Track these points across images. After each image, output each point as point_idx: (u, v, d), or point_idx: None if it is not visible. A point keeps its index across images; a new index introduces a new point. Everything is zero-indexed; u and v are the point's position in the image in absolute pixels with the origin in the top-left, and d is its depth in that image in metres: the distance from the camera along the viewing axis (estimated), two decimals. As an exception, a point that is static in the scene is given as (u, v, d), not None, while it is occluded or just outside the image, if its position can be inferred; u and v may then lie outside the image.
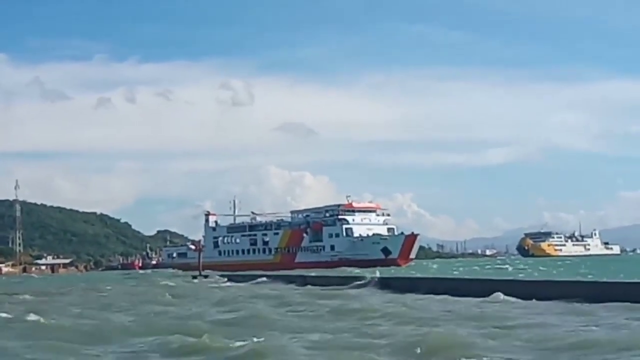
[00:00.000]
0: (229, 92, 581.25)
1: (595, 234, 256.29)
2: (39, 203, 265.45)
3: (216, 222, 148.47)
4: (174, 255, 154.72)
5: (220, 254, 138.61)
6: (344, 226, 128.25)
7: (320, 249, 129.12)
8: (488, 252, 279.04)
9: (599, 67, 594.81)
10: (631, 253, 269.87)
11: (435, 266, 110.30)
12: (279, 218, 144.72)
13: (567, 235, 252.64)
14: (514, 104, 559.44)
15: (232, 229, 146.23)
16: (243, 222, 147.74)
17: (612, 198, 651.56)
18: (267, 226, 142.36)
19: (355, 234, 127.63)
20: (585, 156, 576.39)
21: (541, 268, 79.97)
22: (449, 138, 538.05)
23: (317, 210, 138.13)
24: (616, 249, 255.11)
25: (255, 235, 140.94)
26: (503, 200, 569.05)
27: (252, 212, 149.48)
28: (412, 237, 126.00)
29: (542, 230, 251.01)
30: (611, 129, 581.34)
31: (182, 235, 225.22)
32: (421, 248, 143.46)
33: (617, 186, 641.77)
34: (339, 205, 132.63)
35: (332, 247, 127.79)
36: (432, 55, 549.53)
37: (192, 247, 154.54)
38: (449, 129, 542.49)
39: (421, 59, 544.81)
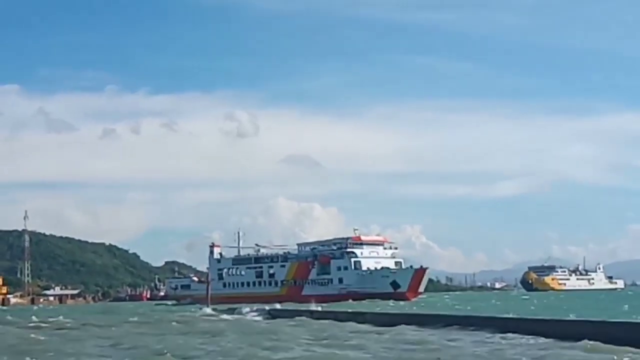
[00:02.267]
0: (233, 124, 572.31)
1: (599, 268, 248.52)
2: (47, 233, 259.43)
3: (221, 254, 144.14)
4: (178, 287, 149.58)
5: (225, 285, 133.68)
6: (353, 259, 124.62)
7: (329, 282, 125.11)
8: (497, 285, 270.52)
9: (610, 100, 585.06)
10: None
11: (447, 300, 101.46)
12: (285, 250, 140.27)
13: (571, 269, 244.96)
14: (524, 135, 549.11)
15: (237, 260, 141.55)
16: (248, 254, 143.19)
17: (622, 231, 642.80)
18: (273, 258, 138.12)
19: (364, 267, 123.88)
20: (596, 188, 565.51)
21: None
22: (459, 170, 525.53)
23: (324, 243, 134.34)
24: (620, 283, 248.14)
25: (261, 267, 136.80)
26: (512, 233, 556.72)
27: (257, 244, 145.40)
28: (422, 271, 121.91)
29: (546, 264, 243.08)
30: (622, 161, 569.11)
31: (190, 267, 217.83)
32: (430, 281, 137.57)
33: (628, 219, 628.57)
34: (347, 238, 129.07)
35: (341, 280, 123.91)
36: (441, 87, 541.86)
37: (195, 279, 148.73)
38: (459, 160, 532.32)
39: (430, 90, 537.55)
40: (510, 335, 26.86)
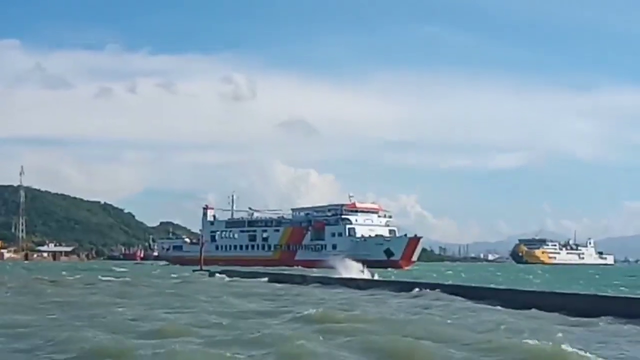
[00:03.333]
0: (231, 86, 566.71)
1: (590, 243, 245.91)
2: (43, 190, 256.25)
3: (214, 216, 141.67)
4: (169, 248, 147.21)
5: (217, 248, 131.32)
6: (347, 226, 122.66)
7: (322, 248, 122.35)
8: (490, 257, 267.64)
9: (611, 76, 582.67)
10: (635, 263, 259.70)
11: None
12: (279, 215, 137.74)
13: (562, 243, 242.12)
14: (524, 109, 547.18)
15: (231, 223, 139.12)
16: (242, 218, 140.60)
17: (616, 207, 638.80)
18: (267, 223, 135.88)
19: (358, 234, 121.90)
20: (592, 164, 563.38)
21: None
22: (457, 141, 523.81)
23: (318, 209, 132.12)
24: (610, 259, 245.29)
25: (254, 231, 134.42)
26: (507, 205, 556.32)
27: (250, 208, 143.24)
28: (416, 240, 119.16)
29: (537, 238, 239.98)
30: (619, 137, 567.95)
31: (185, 228, 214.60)
32: (423, 251, 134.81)
33: (622, 195, 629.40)
34: (342, 205, 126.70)
35: (334, 246, 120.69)
36: (443, 58, 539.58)
37: (187, 240, 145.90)
38: (457, 131, 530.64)
39: (432, 60, 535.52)
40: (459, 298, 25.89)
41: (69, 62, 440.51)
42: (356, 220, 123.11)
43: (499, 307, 21.85)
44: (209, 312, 20.11)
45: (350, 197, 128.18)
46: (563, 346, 12.31)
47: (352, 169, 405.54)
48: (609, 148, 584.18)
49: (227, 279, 49.23)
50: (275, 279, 45.29)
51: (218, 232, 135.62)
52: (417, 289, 29.75)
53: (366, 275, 42.66)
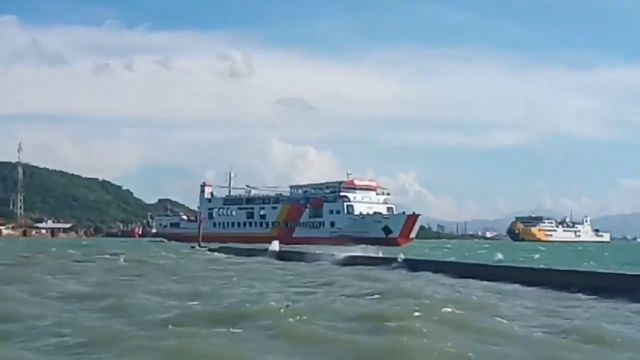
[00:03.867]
0: (227, 63, 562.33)
1: (586, 221, 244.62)
2: (41, 166, 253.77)
3: (212, 193, 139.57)
4: (167, 225, 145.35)
5: (215, 225, 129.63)
6: (346, 203, 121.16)
7: (320, 225, 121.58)
8: (488, 234, 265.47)
9: (610, 54, 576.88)
10: (633, 241, 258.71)
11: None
12: (277, 192, 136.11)
13: (559, 221, 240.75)
14: (522, 87, 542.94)
15: (228, 201, 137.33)
16: (240, 195, 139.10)
17: (614, 185, 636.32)
18: (264, 200, 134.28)
19: (356, 212, 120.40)
20: (590, 142, 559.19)
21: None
22: (455, 118, 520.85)
23: (317, 186, 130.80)
24: (606, 237, 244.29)
25: (252, 208, 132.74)
26: (506, 183, 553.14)
27: (247, 186, 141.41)
28: (414, 217, 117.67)
29: (534, 215, 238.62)
30: (618, 115, 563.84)
31: (183, 205, 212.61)
32: (421, 228, 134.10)
33: (620, 173, 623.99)
34: (340, 182, 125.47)
35: (332, 224, 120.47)
36: (442, 35, 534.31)
37: (185, 217, 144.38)
38: (456, 109, 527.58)
39: (431, 38, 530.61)
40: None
41: (66, 38, 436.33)
42: (354, 198, 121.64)
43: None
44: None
45: (348, 174, 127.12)
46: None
47: (350, 147, 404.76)
48: (607, 126, 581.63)
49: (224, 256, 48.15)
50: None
51: (215, 209, 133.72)
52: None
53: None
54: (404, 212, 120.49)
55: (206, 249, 60.84)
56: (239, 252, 50.89)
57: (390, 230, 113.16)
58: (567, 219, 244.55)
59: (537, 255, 57.13)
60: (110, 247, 65.26)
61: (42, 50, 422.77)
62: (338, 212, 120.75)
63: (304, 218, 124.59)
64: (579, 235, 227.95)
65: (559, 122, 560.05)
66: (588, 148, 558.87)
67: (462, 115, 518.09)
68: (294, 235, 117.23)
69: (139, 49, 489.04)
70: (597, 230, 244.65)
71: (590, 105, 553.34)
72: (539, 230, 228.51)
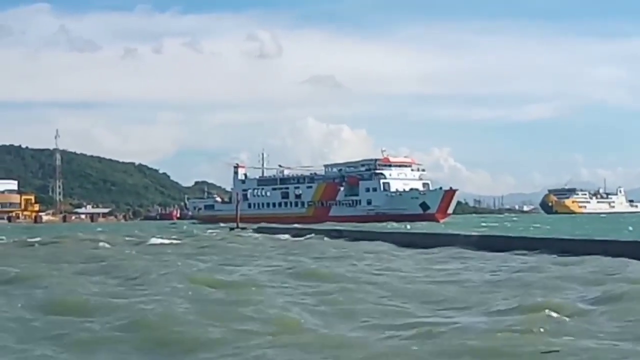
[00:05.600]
0: (256, 44, 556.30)
1: (620, 192, 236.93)
2: (78, 152, 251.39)
3: (245, 174, 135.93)
4: (201, 207, 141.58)
5: (250, 206, 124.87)
6: (382, 180, 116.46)
7: (357, 203, 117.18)
8: (525, 208, 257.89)
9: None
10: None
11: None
12: (311, 172, 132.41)
13: (592, 192, 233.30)
14: (554, 58, 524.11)
15: (262, 181, 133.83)
16: (274, 175, 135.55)
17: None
18: (299, 179, 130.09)
19: (393, 189, 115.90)
20: (626, 112, 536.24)
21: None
22: (487, 92, 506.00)
23: (351, 164, 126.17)
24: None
25: (287, 188, 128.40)
26: (541, 156, 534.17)
27: (280, 165, 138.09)
28: (451, 192, 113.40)
29: (567, 187, 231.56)
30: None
31: (220, 187, 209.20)
32: (458, 203, 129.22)
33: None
34: (375, 160, 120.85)
35: (369, 202, 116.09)
36: (471, 8, 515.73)
37: (219, 199, 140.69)
38: (488, 83, 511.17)
39: (460, 11, 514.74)
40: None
41: (99, 24, 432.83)
42: (390, 175, 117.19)
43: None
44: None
45: (382, 151, 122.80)
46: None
47: (383, 124, 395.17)
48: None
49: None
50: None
51: (250, 190, 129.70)
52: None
53: None
54: (440, 188, 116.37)
55: (249, 230, 55.92)
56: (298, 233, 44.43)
57: (428, 207, 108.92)
58: (601, 190, 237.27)
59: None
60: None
61: (73, 35, 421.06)
62: (374, 189, 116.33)
63: (340, 197, 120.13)
64: (613, 207, 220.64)
65: (592, 93, 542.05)
66: (623, 117, 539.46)
67: (494, 88, 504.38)
68: (331, 214, 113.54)
69: (168, 32, 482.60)
70: (631, 201, 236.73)
71: (622, 73, 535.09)
72: (573, 202, 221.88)
